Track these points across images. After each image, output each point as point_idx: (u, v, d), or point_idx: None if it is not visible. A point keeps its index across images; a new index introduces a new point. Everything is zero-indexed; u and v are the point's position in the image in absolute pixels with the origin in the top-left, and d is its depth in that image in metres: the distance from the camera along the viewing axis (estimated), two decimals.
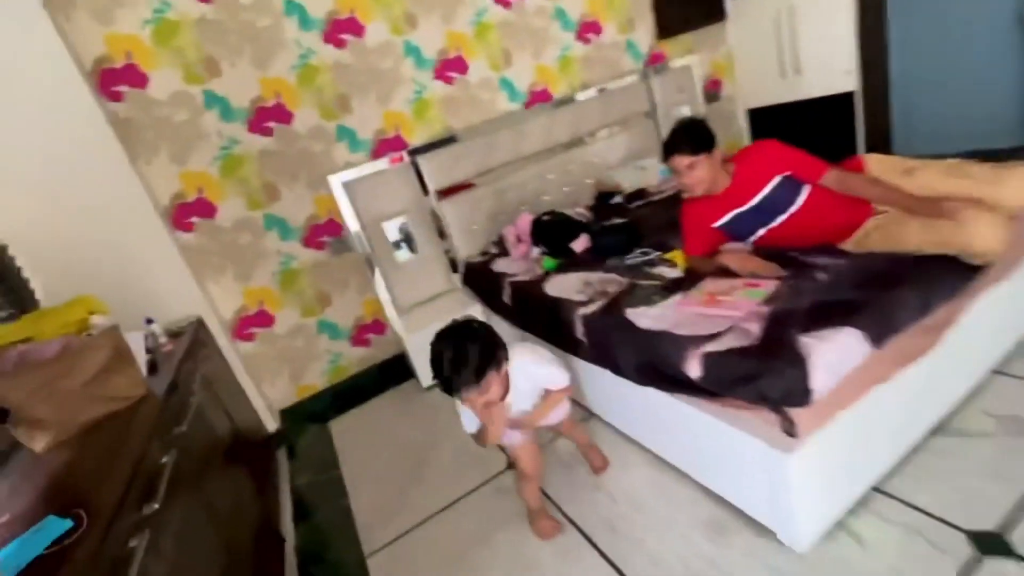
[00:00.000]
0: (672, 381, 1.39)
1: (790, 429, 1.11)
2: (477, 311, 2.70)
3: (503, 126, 2.89)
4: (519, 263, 2.50)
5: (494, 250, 2.80)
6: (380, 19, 2.62)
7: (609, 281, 1.93)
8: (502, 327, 2.54)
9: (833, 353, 1.12)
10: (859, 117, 3.20)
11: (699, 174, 1.64)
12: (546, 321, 1.98)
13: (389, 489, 1.98)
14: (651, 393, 1.50)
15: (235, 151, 2.41)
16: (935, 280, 1.29)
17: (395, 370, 2.86)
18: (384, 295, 2.67)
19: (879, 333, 1.19)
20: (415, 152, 2.67)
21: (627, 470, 1.68)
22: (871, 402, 1.23)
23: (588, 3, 3.15)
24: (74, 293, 1.68)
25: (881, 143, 3.21)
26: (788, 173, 1.60)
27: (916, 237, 1.39)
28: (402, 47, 2.69)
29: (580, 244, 2.39)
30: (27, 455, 1.23)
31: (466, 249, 2.88)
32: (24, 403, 1.19)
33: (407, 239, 2.76)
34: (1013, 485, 1.22)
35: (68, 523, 0.83)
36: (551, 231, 2.47)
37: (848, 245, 1.57)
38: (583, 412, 2.02)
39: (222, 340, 2.36)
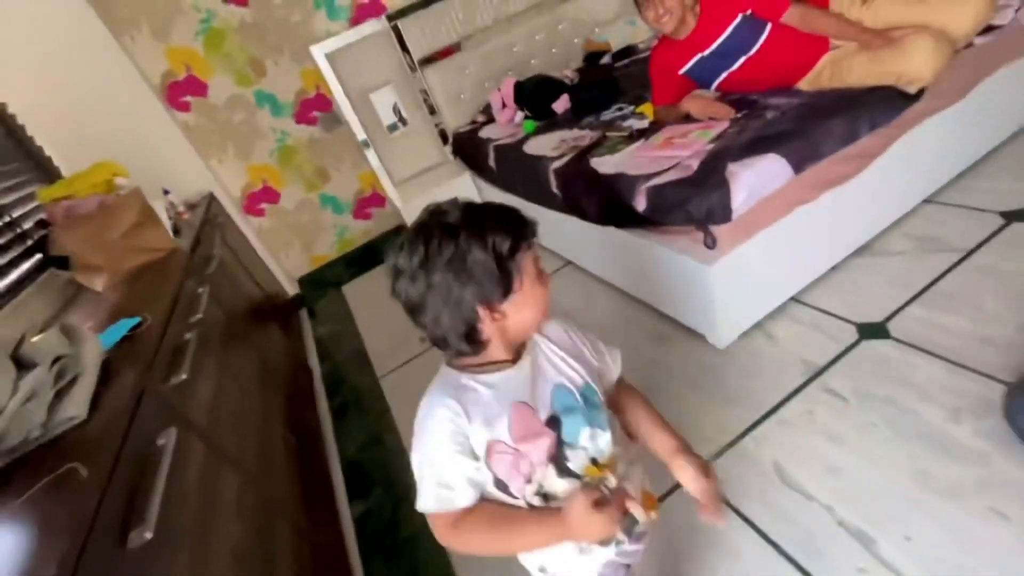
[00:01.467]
0: (625, 216, 1.57)
1: (710, 243, 1.31)
2: (467, 180, 2.85)
3: None
4: (504, 128, 2.58)
5: (481, 118, 2.85)
6: None
7: (582, 136, 2.03)
8: (490, 191, 2.71)
9: (754, 177, 1.28)
10: None
11: (670, 3, 1.62)
12: (525, 179, 2.14)
13: (397, 333, 2.30)
14: (611, 232, 1.70)
15: (215, 24, 2.41)
16: (864, 110, 1.38)
17: None
18: (379, 168, 2.81)
19: (801, 159, 1.33)
20: (395, 16, 2.63)
21: (593, 304, 1.94)
22: (795, 221, 1.41)
23: None
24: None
25: None
26: (749, 11, 1.61)
27: (862, 69, 1.45)
28: None
29: (561, 105, 2.44)
30: (90, 296, 1.51)
31: (455, 120, 2.93)
32: (78, 250, 1.45)
33: (396, 111, 2.83)
34: (908, 289, 1.43)
35: (137, 319, 1.10)
36: (533, 93, 2.51)
37: (803, 84, 1.63)
38: (560, 260, 2.25)
39: (235, 215, 2.59)
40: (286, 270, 2.91)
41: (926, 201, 1.70)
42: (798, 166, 1.33)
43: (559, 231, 2.15)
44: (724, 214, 1.28)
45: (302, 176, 2.83)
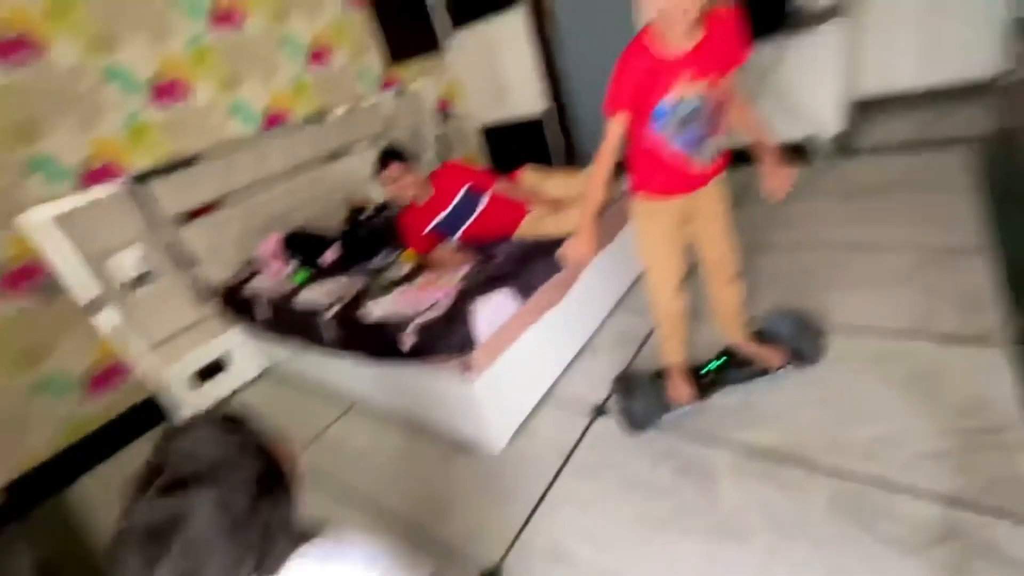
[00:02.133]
0: (398, 355, 1.76)
1: (466, 368, 1.59)
2: (234, 335, 2.72)
3: (240, 149, 2.93)
4: (273, 281, 2.61)
5: (247, 272, 2.83)
6: (67, 37, 2.41)
7: (352, 284, 2.23)
8: (262, 344, 2.63)
9: (490, 310, 1.64)
10: (553, 132, 4.14)
11: (408, 181, 2.08)
12: (299, 330, 2.19)
13: None
14: (388, 370, 1.86)
15: None
16: (553, 254, 1.93)
17: (150, 413, 2.66)
18: (120, 335, 2.48)
19: (522, 291, 1.76)
20: (141, 178, 2.54)
21: (379, 441, 2.01)
22: (530, 338, 1.80)
23: (316, 31, 3.37)
24: None
25: (568, 153, 4.21)
26: (469, 185, 2.13)
27: (547, 227, 2.04)
28: (103, 69, 2.52)
29: (331, 255, 2.63)
30: None
31: (218, 273, 2.83)
32: None
33: (142, 271, 2.61)
34: (615, 369, 1.93)
35: None
36: (302, 245, 2.66)
37: (516, 235, 2.18)
38: (345, 403, 2.29)
39: None
40: None
41: (616, 306, 2.35)
42: (523, 296, 1.75)
43: (341, 375, 2.22)
44: (471, 343, 1.58)
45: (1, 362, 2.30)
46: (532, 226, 2.11)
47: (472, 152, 4.58)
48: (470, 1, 3.92)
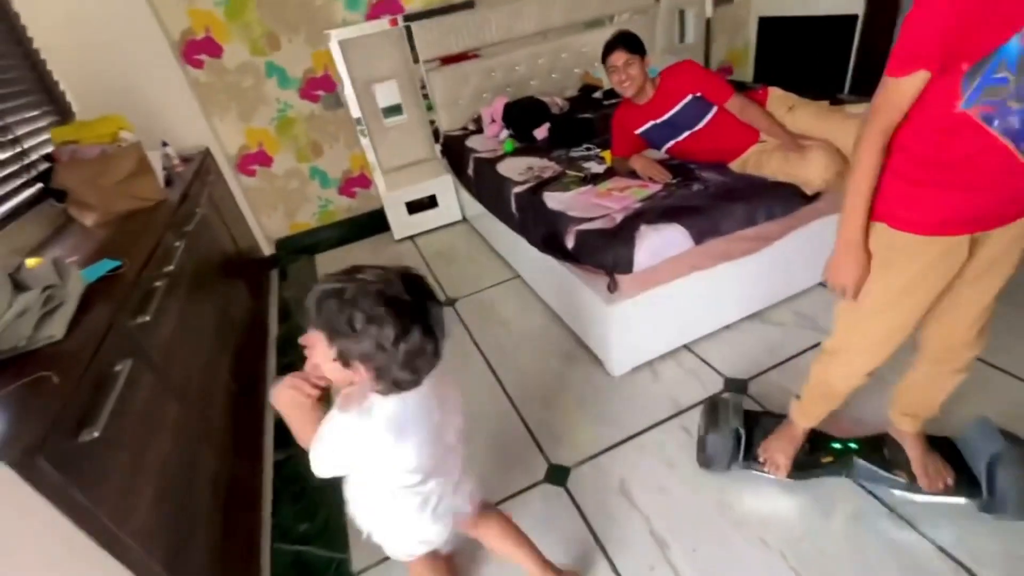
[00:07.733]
0: (559, 249, 1.81)
1: (611, 287, 1.56)
2: (447, 181, 3.07)
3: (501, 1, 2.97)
4: (488, 141, 2.80)
5: (471, 127, 3.06)
6: None
7: (548, 167, 2.27)
8: (464, 196, 2.93)
9: (658, 240, 1.53)
10: (857, 41, 3.21)
11: (632, 72, 1.88)
12: (492, 195, 2.36)
13: None
14: (548, 258, 1.93)
15: None
16: (764, 201, 1.64)
17: (375, 221, 3.29)
18: (370, 153, 3.01)
19: (701, 233, 1.58)
20: (410, 18, 2.82)
21: (527, 316, 2.18)
22: (692, 282, 1.66)
23: None
24: (101, 112, 2.05)
25: (872, 69, 3.25)
26: (699, 93, 1.85)
27: (776, 166, 1.71)
28: None
29: (541, 132, 2.67)
30: (78, 229, 1.70)
31: (448, 122, 3.14)
32: (77, 189, 1.64)
33: (394, 104, 3.02)
34: (775, 357, 1.70)
35: (118, 262, 1.31)
36: (519, 116, 2.73)
37: (733, 165, 1.88)
38: (511, 272, 2.49)
39: (227, 172, 2.78)
40: (266, 231, 3.10)
41: (820, 284, 1.96)
42: (699, 239, 1.58)
43: (513, 247, 2.38)
44: (627, 266, 1.52)
45: (296, 146, 3.02)
46: (755, 159, 1.80)
47: (741, 47, 3.88)
48: None
